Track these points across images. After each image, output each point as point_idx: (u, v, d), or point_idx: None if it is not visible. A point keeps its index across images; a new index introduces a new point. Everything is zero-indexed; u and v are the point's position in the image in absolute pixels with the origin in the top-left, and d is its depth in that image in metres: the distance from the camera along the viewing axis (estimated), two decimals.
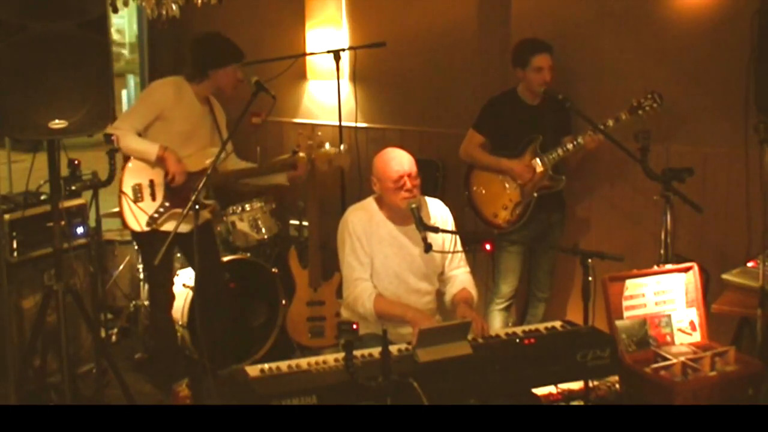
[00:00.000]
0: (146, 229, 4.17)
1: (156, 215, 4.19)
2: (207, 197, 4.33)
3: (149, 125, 4.19)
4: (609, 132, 4.19)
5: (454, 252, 3.79)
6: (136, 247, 5.08)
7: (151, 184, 4.22)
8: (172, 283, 4.48)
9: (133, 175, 4.21)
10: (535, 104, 4.48)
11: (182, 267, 4.98)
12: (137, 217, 4.19)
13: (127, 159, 4.24)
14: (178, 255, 4.76)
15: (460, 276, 3.84)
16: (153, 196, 4.22)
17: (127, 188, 4.20)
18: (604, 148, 4.45)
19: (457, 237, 3.83)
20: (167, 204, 4.21)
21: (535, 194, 4.44)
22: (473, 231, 4.19)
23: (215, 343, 4.34)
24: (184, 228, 3.97)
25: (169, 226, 4.07)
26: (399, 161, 3.67)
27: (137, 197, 4.19)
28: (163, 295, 4.41)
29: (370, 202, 3.82)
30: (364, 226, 3.72)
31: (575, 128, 4.48)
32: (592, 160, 4.68)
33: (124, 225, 4.30)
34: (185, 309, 4.66)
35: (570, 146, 4.35)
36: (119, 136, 4.10)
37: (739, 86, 4.14)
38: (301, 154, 4.77)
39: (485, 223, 4.54)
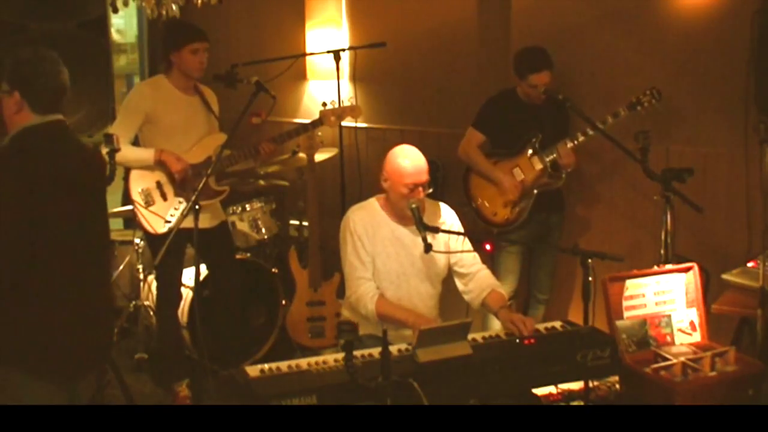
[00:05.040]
0: (165, 230, 4.14)
1: (173, 213, 4.18)
2: (220, 184, 4.33)
3: (140, 129, 4.19)
4: (609, 128, 4.20)
5: (457, 252, 3.77)
6: (136, 248, 5.09)
7: (159, 185, 4.21)
8: (181, 283, 4.47)
9: (139, 181, 4.20)
10: (534, 103, 4.48)
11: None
12: (152, 222, 4.18)
13: (128, 169, 4.24)
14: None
15: (484, 275, 3.80)
16: (164, 197, 4.21)
17: (136, 195, 4.19)
18: (604, 149, 4.46)
19: (466, 238, 3.81)
20: (180, 200, 4.20)
21: (535, 191, 4.45)
22: (472, 231, 4.19)
23: (217, 343, 4.34)
24: (202, 224, 3.93)
25: (188, 223, 3.99)
26: (417, 169, 3.62)
27: (148, 202, 4.19)
28: (173, 294, 4.40)
29: (372, 202, 3.81)
30: (366, 226, 3.71)
31: (574, 128, 4.48)
32: (592, 161, 4.68)
33: (144, 231, 4.29)
34: (185, 309, 4.66)
35: (569, 144, 4.35)
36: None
37: (739, 86, 4.14)
38: (302, 155, 4.79)
39: (485, 222, 4.54)
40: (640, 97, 4.24)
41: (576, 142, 4.33)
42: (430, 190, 3.68)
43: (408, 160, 3.65)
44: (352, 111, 4.61)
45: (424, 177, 3.64)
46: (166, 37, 4.29)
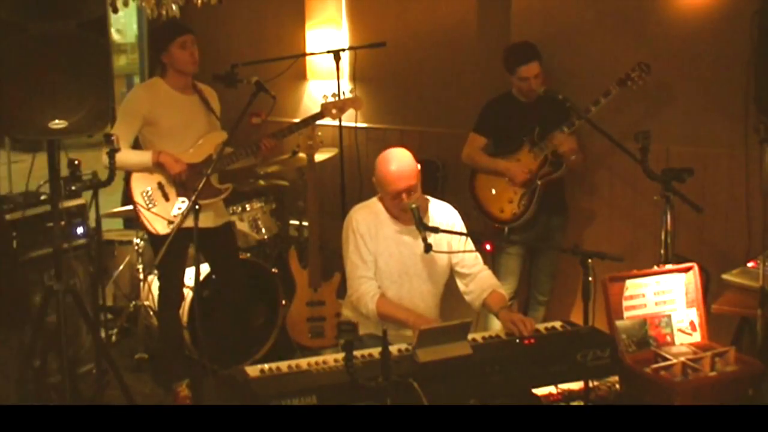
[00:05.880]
0: (168, 230, 4.11)
1: (175, 214, 4.17)
2: (222, 182, 4.33)
3: (139, 132, 4.19)
4: (609, 121, 4.19)
5: (458, 252, 3.76)
6: (136, 248, 5.09)
7: (160, 186, 4.21)
8: (184, 284, 4.46)
9: (141, 183, 4.20)
10: (531, 101, 4.48)
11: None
12: (154, 223, 4.16)
13: (129, 171, 4.24)
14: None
15: (485, 275, 3.80)
16: (166, 197, 4.21)
17: (138, 197, 4.18)
18: (605, 149, 4.45)
19: (468, 239, 3.81)
20: (183, 200, 4.19)
21: (539, 182, 4.45)
22: (473, 231, 4.19)
23: (217, 343, 4.34)
24: (204, 224, 3.92)
25: (191, 222, 3.88)
26: (401, 175, 3.60)
27: (150, 203, 4.18)
28: (174, 294, 4.39)
29: (375, 201, 3.81)
30: (369, 225, 3.71)
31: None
32: (592, 161, 4.68)
33: (147, 232, 4.28)
34: (185, 309, 4.66)
35: (566, 129, 4.34)
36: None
37: (739, 86, 4.14)
38: (302, 155, 4.79)
39: (494, 221, 4.54)
40: (629, 73, 4.21)
41: (571, 128, 4.32)
42: (417, 194, 3.66)
43: (394, 165, 3.63)
44: (353, 103, 4.60)
45: (409, 182, 3.60)
46: (153, 43, 4.31)
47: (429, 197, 3.86)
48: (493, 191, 4.55)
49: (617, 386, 3.93)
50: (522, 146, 4.47)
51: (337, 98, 4.53)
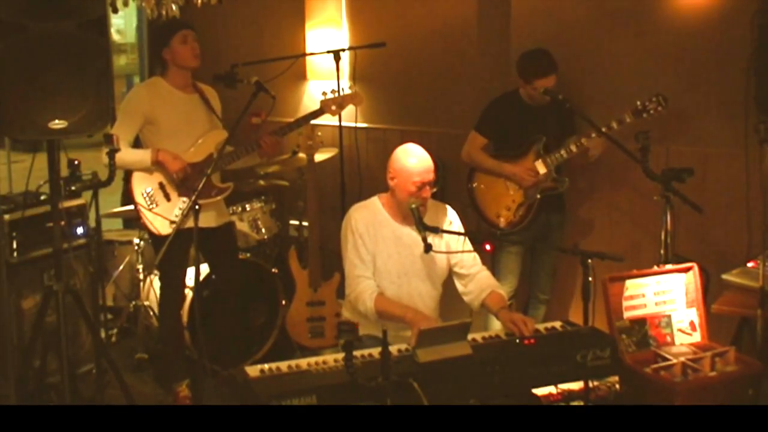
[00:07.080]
0: (170, 231, 4.09)
1: (177, 213, 4.17)
2: (223, 181, 4.33)
3: (140, 131, 4.19)
4: (613, 135, 4.18)
5: (458, 252, 3.77)
6: (136, 248, 5.09)
7: (161, 186, 4.20)
8: (185, 284, 4.46)
9: (142, 183, 4.19)
10: (538, 105, 4.45)
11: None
12: (156, 224, 4.16)
13: (129, 171, 4.23)
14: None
15: (484, 276, 3.80)
16: (167, 197, 4.20)
17: (139, 197, 4.18)
18: (605, 150, 4.45)
19: (466, 239, 3.82)
20: (184, 199, 4.19)
21: (538, 195, 4.43)
22: (472, 231, 4.19)
23: (217, 343, 4.34)
24: (206, 223, 3.90)
25: (192, 222, 3.86)
26: (425, 168, 3.63)
27: (152, 203, 4.18)
28: (175, 294, 4.38)
29: (374, 201, 3.81)
30: (367, 225, 3.72)
31: (580, 128, 4.45)
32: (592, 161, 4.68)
33: (149, 232, 4.27)
34: (185, 309, 4.65)
35: (573, 148, 4.33)
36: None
37: (739, 86, 4.14)
38: (302, 155, 4.79)
39: (488, 224, 4.53)
40: (646, 104, 4.17)
41: (580, 143, 4.31)
42: (434, 190, 3.69)
43: (415, 158, 3.66)
44: (352, 99, 4.58)
45: (431, 176, 3.65)
46: (153, 40, 4.32)
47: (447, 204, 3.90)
48: (492, 195, 4.53)
49: (617, 386, 3.93)
50: (527, 155, 4.43)
51: (336, 94, 4.52)
